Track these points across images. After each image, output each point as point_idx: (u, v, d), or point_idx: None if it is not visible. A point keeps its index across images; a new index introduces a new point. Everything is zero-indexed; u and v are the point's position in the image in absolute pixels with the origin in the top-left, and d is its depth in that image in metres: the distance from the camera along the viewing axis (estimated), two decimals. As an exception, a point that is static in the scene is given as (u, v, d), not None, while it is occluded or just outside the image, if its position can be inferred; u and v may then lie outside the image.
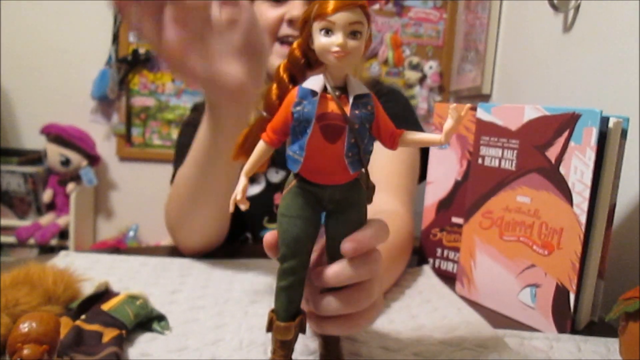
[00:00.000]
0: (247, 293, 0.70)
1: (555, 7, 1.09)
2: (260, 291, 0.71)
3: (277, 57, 0.97)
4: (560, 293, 0.66)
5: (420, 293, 0.76)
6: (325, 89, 0.40)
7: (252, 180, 0.93)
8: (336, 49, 0.38)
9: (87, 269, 0.75)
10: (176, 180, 0.81)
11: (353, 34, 0.38)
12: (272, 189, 1.04)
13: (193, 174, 0.75)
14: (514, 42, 1.48)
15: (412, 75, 2.30)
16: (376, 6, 2.30)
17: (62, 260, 0.79)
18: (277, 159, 1.02)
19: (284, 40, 0.96)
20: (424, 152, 1.06)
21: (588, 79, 1.02)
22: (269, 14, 0.95)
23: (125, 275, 0.74)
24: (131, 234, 2.27)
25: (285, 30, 0.95)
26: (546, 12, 1.17)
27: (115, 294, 0.59)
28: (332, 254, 0.44)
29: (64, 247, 2.16)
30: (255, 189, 1.00)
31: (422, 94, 2.32)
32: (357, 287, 0.44)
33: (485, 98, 1.66)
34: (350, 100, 0.40)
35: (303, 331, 0.46)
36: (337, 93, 0.40)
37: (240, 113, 0.65)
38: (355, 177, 0.42)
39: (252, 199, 0.87)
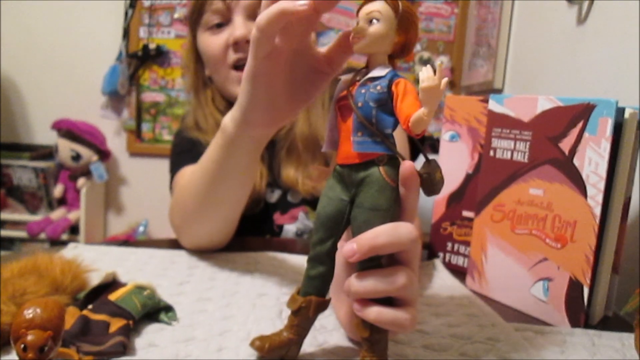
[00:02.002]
0: (255, 286, 0.69)
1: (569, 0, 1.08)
2: (269, 284, 0.70)
3: (233, 84, 0.95)
4: (574, 287, 0.65)
5: (430, 287, 0.75)
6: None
7: (251, 201, 0.92)
8: (352, 35, 0.43)
9: (95, 260, 0.75)
10: (182, 187, 0.79)
11: (371, 22, 0.41)
12: (271, 208, 1.03)
13: (202, 183, 0.71)
14: (527, 36, 1.46)
15: (423, 71, 2.28)
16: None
17: (71, 252, 0.79)
18: (271, 179, 1.02)
19: (237, 66, 0.93)
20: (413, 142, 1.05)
21: (602, 72, 1.00)
22: (213, 43, 0.93)
23: (133, 266, 0.74)
24: (141, 229, 2.28)
25: (232, 55, 0.92)
26: (560, 4, 1.15)
27: (123, 285, 0.58)
28: None
29: (74, 242, 2.16)
30: (254, 210, 0.98)
31: (433, 89, 2.31)
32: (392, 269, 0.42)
33: (497, 92, 1.65)
34: (362, 80, 0.42)
35: (309, 314, 0.45)
36: (351, 76, 0.44)
37: (269, 135, 0.62)
38: (371, 158, 0.41)
39: (252, 220, 0.87)
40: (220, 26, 0.92)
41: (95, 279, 0.60)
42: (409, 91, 0.40)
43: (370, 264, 0.42)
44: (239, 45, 0.90)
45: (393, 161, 0.42)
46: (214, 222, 0.77)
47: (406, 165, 0.40)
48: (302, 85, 0.54)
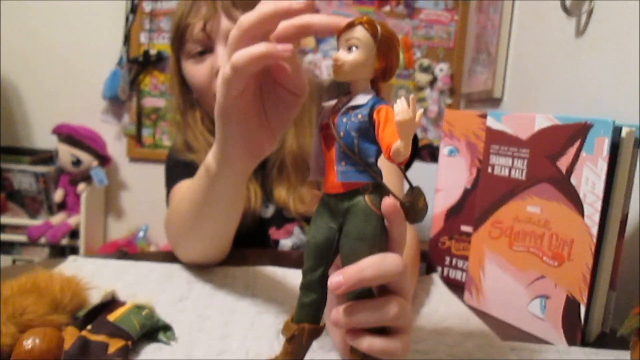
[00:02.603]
0: (254, 303, 0.69)
1: (567, 11, 1.08)
2: (268, 302, 0.70)
3: None
4: (571, 305, 0.65)
5: (428, 303, 0.76)
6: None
7: (245, 218, 0.91)
8: (331, 62, 0.42)
9: (94, 275, 0.75)
10: (173, 208, 0.78)
11: (349, 49, 0.41)
12: (266, 223, 1.03)
13: (190, 209, 0.70)
14: (526, 45, 1.47)
15: (422, 78, 2.28)
16: (387, 8, 2.30)
17: (70, 265, 0.79)
18: (265, 196, 1.02)
19: None
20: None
21: (601, 84, 1.00)
22: (197, 71, 0.92)
23: (133, 281, 0.74)
24: (141, 234, 2.28)
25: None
26: (558, 16, 1.15)
27: (122, 304, 0.59)
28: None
29: (74, 247, 2.17)
30: (250, 226, 0.97)
31: (433, 96, 2.31)
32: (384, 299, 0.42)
33: (497, 102, 1.65)
34: (342, 109, 0.42)
35: (303, 341, 0.45)
36: (334, 103, 0.43)
37: (254, 166, 0.60)
38: (355, 188, 0.41)
39: (247, 235, 0.86)
40: (203, 53, 0.91)
41: (94, 296, 0.60)
42: (390, 118, 0.39)
43: (361, 292, 0.42)
44: None
45: (378, 189, 0.42)
46: (206, 243, 0.77)
47: (386, 203, 0.40)
48: (275, 112, 0.53)
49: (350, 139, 0.41)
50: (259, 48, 0.42)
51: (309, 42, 2.30)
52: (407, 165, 1.11)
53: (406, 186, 0.45)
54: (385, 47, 0.41)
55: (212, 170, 0.60)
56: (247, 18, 0.43)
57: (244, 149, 0.54)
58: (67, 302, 0.57)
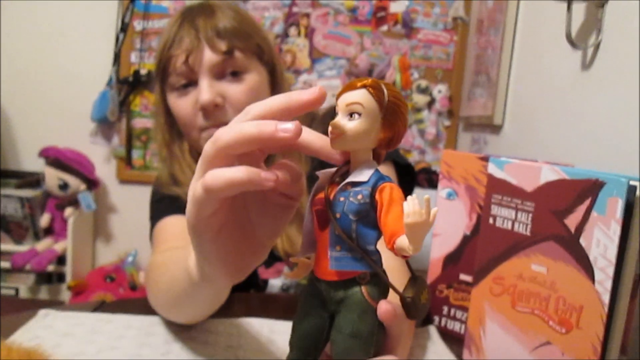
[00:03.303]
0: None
1: (573, 44, 1.03)
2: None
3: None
4: (580, 377, 0.60)
5: (425, 365, 0.70)
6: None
7: None
8: (330, 129, 0.36)
9: (65, 336, 0.70)
10: (154, 282, 0.72)
11: (351, 116, 0.35)
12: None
13: (171, 297, 0.64)
14: (528, 73, 1.42)
15: (420, 99, 2.24)
16: (384, 27, 2.25)
17: (40, 323, 0.73)
18: None
19: (207, 128, 0.87)
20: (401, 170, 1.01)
21: (608, 119, 0.96)
22: (181, 105, 0.88)
23: (106, 344, 0.69)
24: (130, 259, 2.22)
25: (201, 121, 0.86)
26: (563, 47, 1.10)
27: (87, 382, 0.53)
28: None
29: (61, 274, 2.11)
30: None
31: (431, 118, 2.26)
32: None
33: (497, 129, 1.60)
34: (340, 185, 0.36)
35: None
36: (330, 174, 0.38)
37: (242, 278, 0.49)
38: (351, 277, 0.36)
39: None
40: (187, 86, 0.87)
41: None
42: (395, 200, 0.34)
43: None
44: (207, 110, 0.85)
45: (376, 278, 0.36)
46: (186, 319, 0.72)
47: (383, 309, 0.35)
48: (263, 221, 0.43)
49: (347, 223, 0.35)
50: (238, 174, 0.35)
51: (304, 62, 2.26)
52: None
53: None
54: (392, 115, 0.36)
55: (192, 277, 0.52)
56: (225, 134, 0.36)
57: (224, 268, 0.43)
58: (26, 381, 0.51)
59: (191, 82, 0.86)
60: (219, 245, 0.41)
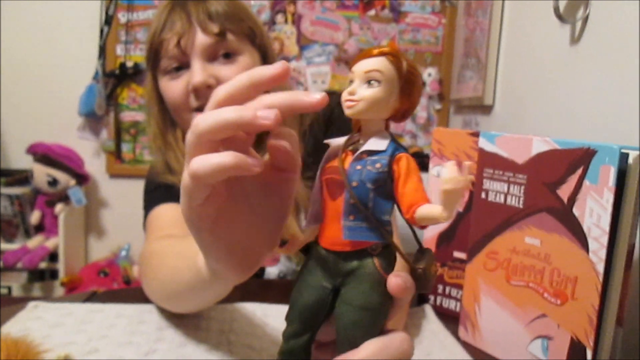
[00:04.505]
0: (229, 354, 0.63)
1: (561, 18, 1.02)
2: (244, 351, 0.64)
3: None
4: (576, 348, 0.59)
5: (419, 342, 0.70)
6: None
7: None
8: (346, 97, 0.35)
9: (55, 326, 0.69)
10: (151, 271, 0.70)
11: (369, 83, 0.34)
12: None
13: (171, 291, 0.63)
14: (517, 52, 1.41)
15: (410, 83, 2.23)
16: (372, 12, 2.24)
17: (29, 314, 0.72)
18: None
19: (200, 109, 0.85)
20: None
21: (597, 93, 0.95)
22: (172, 88, 0.86)
23: (96, 333, 0.67)
24: (123, 253, 2.20)
25: (194, 102, 0.86)
26: (551, 22, 1.10)
27: (76, 369, 0.52)
28: (339, 342, 0.36)
29: (54, 270, 2.09)
30: None
31: (422, 102, 2.25)
32: None
33: (487, 109, 1.59)
34: (356, 154, 0.35)
35: None
36: (342, 143, 0.36)
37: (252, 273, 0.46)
38: (363, 248, 0.35)
39: None
40: (179, 69, 0.85)
41: (48, 358, 0.54)
42: (412, 171, 0.34)
43: None
44: (199, 92, 0.84)
45: (387, 250, 0.36)
46: (183, 311, 0.71)
47: (393, 283, 0.34)
48: (264, 210, 0.41)
49: (364, 192, 0.34)
50: (224, 159, 0.33)
51: (292, 49, 2.24)
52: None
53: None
54: (410, 85, 0.35)
55: (202, 273, 0.49)
56: (204, 121, 0.34)
57: (231, 262, 0.41)
58: (14, 371, 0.50)
59: (183, 65, 0.85)
60: (220, 236, 0.39)
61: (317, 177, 0.37)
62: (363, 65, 0.35)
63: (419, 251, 0.37)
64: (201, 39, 0.83)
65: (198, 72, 0.82)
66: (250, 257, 0.41)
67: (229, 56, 0.86)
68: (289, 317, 0.38)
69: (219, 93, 0.36)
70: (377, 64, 0.34)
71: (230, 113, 0.34)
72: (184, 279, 0.56)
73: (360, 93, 0.34)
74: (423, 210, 0.32)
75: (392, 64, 0.34)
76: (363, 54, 0.35)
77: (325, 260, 0.36)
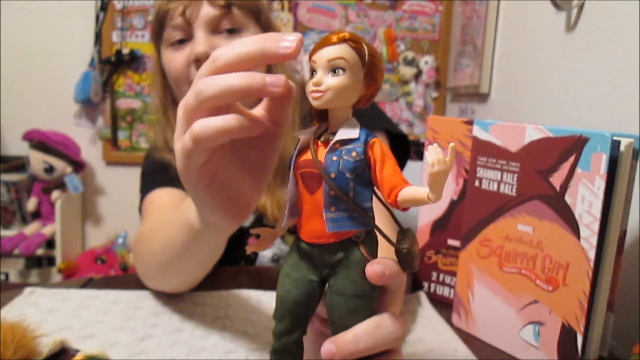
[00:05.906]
0: (224, 339, 0.64)
1: (557, 6, 1.02)
2: (239, 337, 0.65)
3: None
4: (567, 333, 0.60)
5: (414, 329, 0.70)
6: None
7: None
8: (311, 87, 0.34)
9: (51, 312, 0.69)
10: (143, 248, 0.72)
11: (334, 71, 0.34)
12: (245, 233, 0.96)
13: (164, 256, 0.64)
14: (514, 40, 1.41)
15: (407, 71, 2.22)
16: (368, -1, 2.23)
17: (26, 300, 0.73)
18: None
19: None
20: (399, 146, 1.01)
21: (593, 81, 0.95)
22: (175, 59, 0.86)
23: (92, 318, 0.68)
24: (120, 240, 2.21)
25: (195, 73, 0.85)
26: (547, 10, 1.09)
27: (73, 354, 0.52)
28: (335, 332, 0.37)
29: (51, 257, 2.10)
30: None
31: (418, 90, 2.25)
32: None
33: (484, 97, 1.59)
34: (330, 145, 0.35)
35: None
36: (311, 134, 0.36)
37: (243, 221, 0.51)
38: (348, 237, 0.35)
39: (226, 246, 0.80)
40: (182, 42, 0.86)
41: (44, 343, 0.54)
42: (386, 155, 0.34)
43: None
44: (201, 62, 0.83)
45: (371, 235, 0.36)
46: (178, 282, 0.72)
47: (370, 272, 0.34)
48: (254, 155, 0.43)
49: (344, 182, 0.34)
50: (228, 122, 0.34)
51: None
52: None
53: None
54: (374, 69, 0.35)
55: (194, 227, 0.52)
56: (210, 86, 0.35)
57: (225, 211, 0.44)
58: (10, 356, 0.51)
59: (187, 38, 0.85)
60: (216, 191, 0.42)
61: (291, 172, 0.37)
62: (325, 54, 0.34)
63: (400, 232, 0.37)
64: (206, 10, 0.83)
65: (201, 42, 0.82)
66: (242, 206, 0.45)
67: (232, 31, 0.86)
68: (278, 315, 0.38)
69: (221, 58, 0.36)
70: (339, 51, 0.34)
71: (239, 80, 0.34)
72: (177, 242, 0.58)
73: (327, 82, 0.34)
74: (406, 193, 0.32)
75: (355, 49, 0.34)
76: (322, 41, 0.35)
77: (309, 254, 0.36)
